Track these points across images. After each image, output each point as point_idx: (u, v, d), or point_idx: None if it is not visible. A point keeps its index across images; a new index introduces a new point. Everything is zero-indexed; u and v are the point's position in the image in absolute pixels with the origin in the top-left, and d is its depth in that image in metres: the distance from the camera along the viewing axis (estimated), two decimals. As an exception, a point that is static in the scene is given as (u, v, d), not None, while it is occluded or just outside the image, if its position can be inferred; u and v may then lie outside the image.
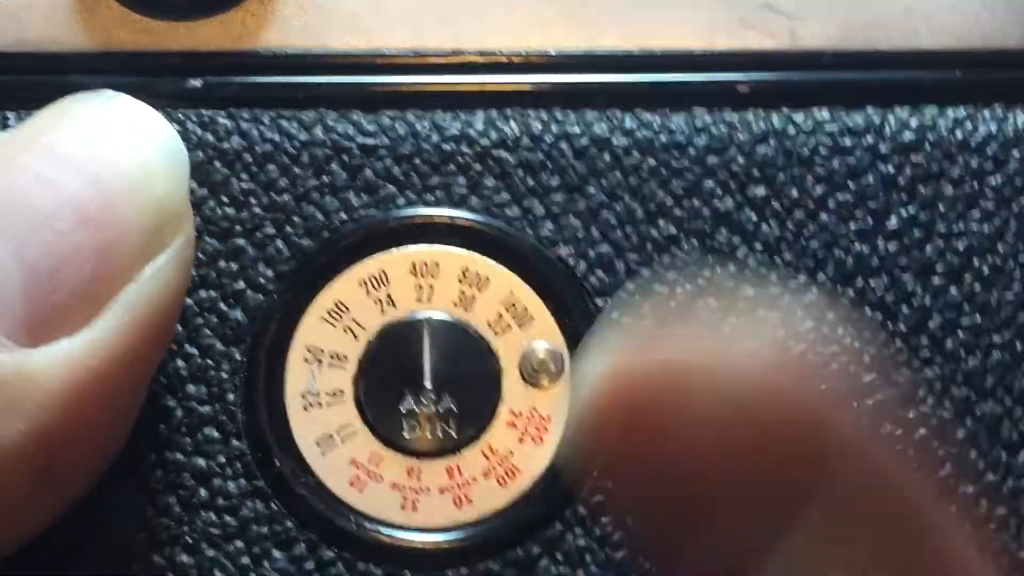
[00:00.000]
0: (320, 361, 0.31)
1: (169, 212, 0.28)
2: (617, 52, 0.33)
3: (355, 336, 0.32)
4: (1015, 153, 0.33)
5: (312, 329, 0.32)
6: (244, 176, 0.32)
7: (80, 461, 0.28)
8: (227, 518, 0.31)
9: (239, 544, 0.31)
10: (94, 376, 0.27)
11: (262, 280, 0.32)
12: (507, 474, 0.31)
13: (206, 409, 0.31)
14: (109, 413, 0.28)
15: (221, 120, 0.32)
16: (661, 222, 0.32)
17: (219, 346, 0.32)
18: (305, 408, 0.31)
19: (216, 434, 0.31)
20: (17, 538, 0.28)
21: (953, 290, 0.33)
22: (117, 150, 0.28)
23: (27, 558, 0.28)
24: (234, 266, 0.32)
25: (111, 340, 0.27)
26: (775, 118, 0.33)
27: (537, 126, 0.33)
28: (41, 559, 0.29)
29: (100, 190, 0.28)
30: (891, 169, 0.33)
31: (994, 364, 0.32)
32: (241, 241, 0.32)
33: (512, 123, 0.33)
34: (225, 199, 0.32)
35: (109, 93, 0.29)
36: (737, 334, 0.25)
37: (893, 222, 0.33)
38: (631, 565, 0.31)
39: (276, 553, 0.31)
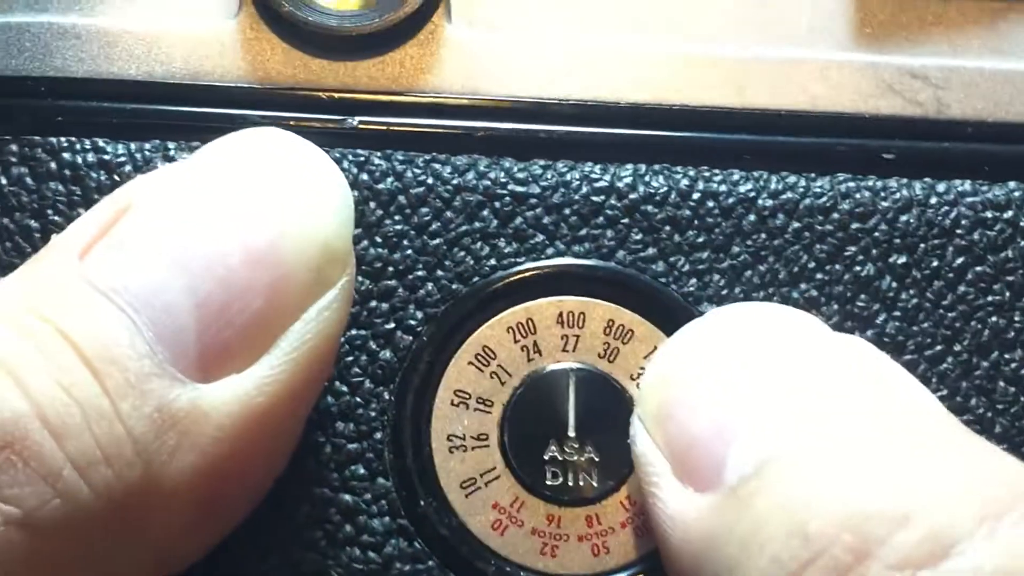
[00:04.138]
0: (467, 405, 0.32)
1: (334, 252, 0.29)
2: (765, 111, 0.34)
3: (501, 382, 0.32)
4: None
5: (460, 373, 0.32)
6: (398, 218, 0.32)
7: (242, 493, 0.29)
8: (371, 554, 0.31)
9: None
10: (261, 412, 0.28)
11: (412, 322, 0.32)
12: (645, 526, 0.31)
13: (354, 446, 0.32)
14: (272, 447, 0.29)
15: (376, 160, 0.33)
16: (803, 285, 0.33)
17: (368, 384, 0.32)
18: (451, 450, 0.32)
19: (363, 471, 0.32)
20: (173, 566, 0.29)
21: None
22: (287, 190, 0.29)
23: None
24: (385, 306, 0.32)
25: (278, 377, 0.28)
26: (917, 187, 0.33)
27: (684, 183, 0.33)
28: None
29: (270, 229, 0.28)
30: None
31: None
32: (393, 282, 0.32)
33: (660, 178, 0.33)
34: (379, 239, 0.32)
35: (276, 131, 0.29)
36: None
37: None
38: None
39: None
